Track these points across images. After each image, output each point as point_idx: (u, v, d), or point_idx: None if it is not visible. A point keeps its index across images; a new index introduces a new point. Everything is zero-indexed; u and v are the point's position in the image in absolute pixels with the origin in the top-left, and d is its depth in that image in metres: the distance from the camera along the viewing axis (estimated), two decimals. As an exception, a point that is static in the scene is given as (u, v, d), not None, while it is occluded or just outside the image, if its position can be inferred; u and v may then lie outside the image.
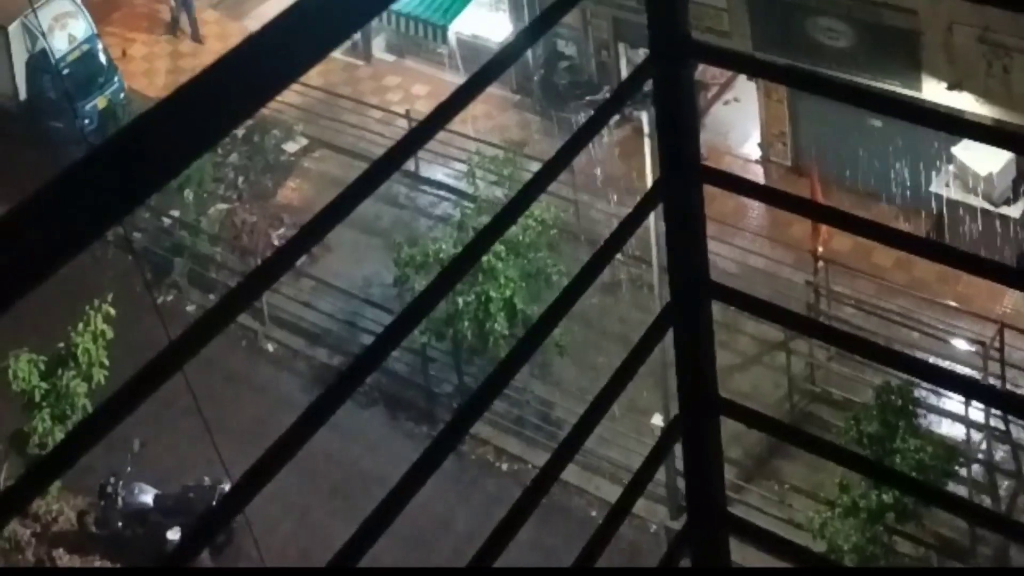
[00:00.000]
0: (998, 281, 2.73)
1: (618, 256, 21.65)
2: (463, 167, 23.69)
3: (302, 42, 1.90)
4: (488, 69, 2.45)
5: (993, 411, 18.36)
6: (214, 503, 18.94)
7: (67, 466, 1.82)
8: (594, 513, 18.88)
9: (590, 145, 23.88)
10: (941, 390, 17.05)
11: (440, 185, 24.66)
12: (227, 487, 18.87)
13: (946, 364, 18.87)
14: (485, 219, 20.40)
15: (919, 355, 18.71)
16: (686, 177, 2.99)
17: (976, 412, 18.32)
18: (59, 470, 1.81)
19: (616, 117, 24.16)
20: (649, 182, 18.72)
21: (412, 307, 2.32)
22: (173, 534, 18.99)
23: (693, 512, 3.46)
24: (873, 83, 20.63)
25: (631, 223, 2.98)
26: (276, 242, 23.47)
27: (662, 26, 2.84)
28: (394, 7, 25.29)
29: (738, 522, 3.55)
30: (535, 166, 23.55)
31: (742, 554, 3.63)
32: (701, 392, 3.26)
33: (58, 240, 1.69)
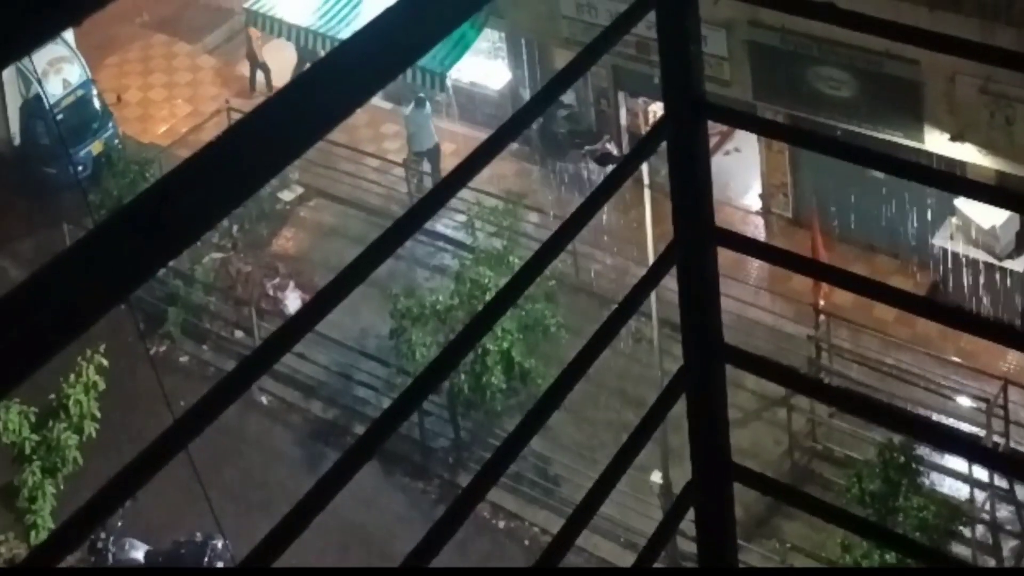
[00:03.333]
0: (1000, 342, 2.72)
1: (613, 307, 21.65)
2: (462, 217, 23.51)
3: (329, 98, 1.89)
4: (508, 128, 2.48)
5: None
6: (206, 559, 18.69)
7: (77, 542, 1.85)
8: (593, 573, 18.64)
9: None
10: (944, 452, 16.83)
11: (438, 236, 24.46)
12: (219, 543, 18.62)
13: (950, 423, 18.67)
14: (483, 270, 20.26)
15: (926, 415, 18.52)
16: (700, 239, 2.99)
17: (980, 471, 18.07)
18: (66, 547, 1.82)
19: (613, 166, 24.04)
20: (650, 233, 18.54)
21: (426, 374, 2.36)
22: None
23: (706, 567, 3.48)
24: (875, 134, 20.48)
25: (645, 285, 2.99)
26: (270, 292, 23.25)
27: (677, 87, 2.85)
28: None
29: None
30: (534, 217, 23.60)
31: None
32: (715, 458, 3.26)
33: (70, 315, 1.69)
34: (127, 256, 1.70)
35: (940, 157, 20.14)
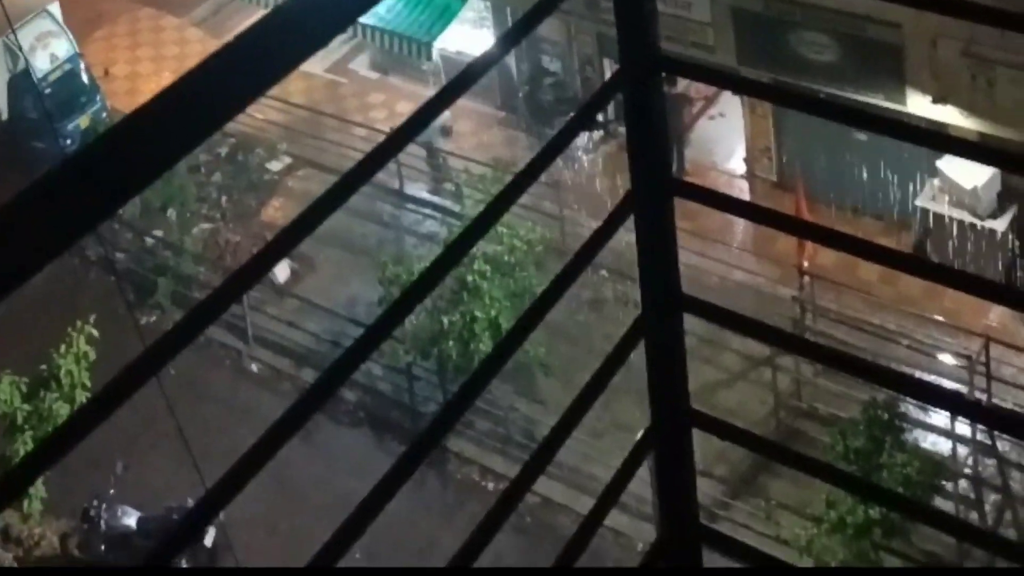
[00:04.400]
0: (981, 296, 2.74)
1: (603, 272, 21.56)
2: (450, 185, 23.63)
3: (272, 54, 1.91)
4: (463, 78, 2.47)
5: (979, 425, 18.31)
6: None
7: (42, 470, 1.83)
8: (580, 531, 18.78)
9: (577, 161, 23.91)
10: (928, 405, 16.98)
11: (426, 203, 24.58)
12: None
13: (932, 379, 18.84)
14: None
15: (904, 369, 18.68)
16: (657, 190, 2.99)
17: (963, 426, 18.25)
18: (35, 476, 1.83)
19: (601, 133, 24.14)
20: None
21: (380, 321, 2.36)
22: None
23: (666, 525, 3.46)
24: (858, 97, 20.60)
25: (601, 236, 2.98)
26: (260, 261, 23.36)
27: (633, 40, 2.84)
28: (378, 24, 25.25)
29: (711, 534, 3.55)
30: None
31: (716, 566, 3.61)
32: (674, 405, 3.25)
33: (27, 252, 1.69)
34: (77, 204, 1.74)
35: (922, 119, 20.27)
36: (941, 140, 3.17)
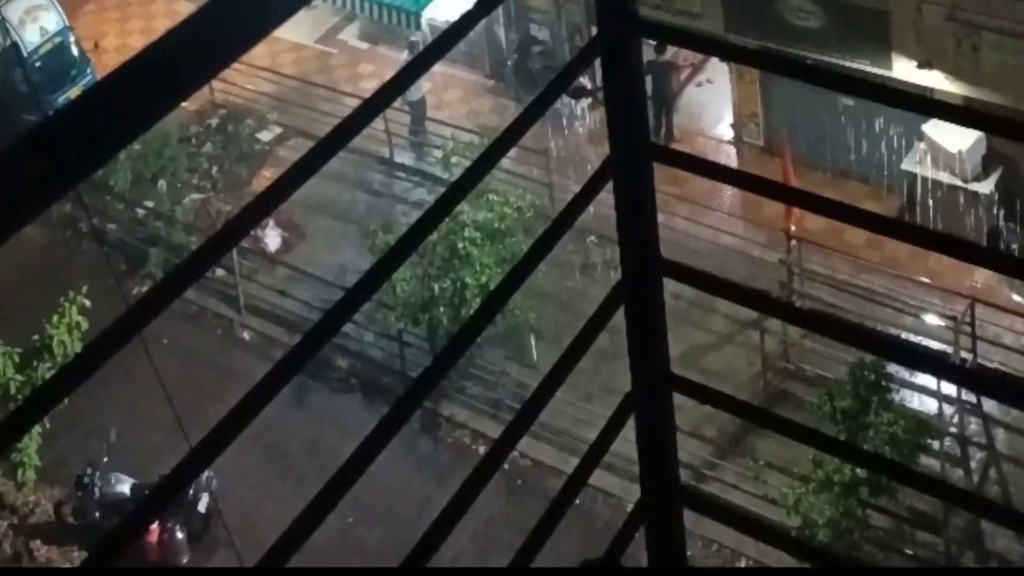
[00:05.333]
0: (964, 260, 2.80)
1: (592, 239, 21.62)
2: (438, 153, 23.70)
3: (234, 28, 1.92)
4: (442, 40, 2.55)
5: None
6: (191, 491, 18.99)
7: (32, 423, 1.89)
8: (571, 493, 18.92)
9: (566, 128, 23.97)
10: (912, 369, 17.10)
11: (415, 171, 24.68)
12: (203, 475, 18.93)
13: (917, 340, 19.01)
14: (462, 205, 20.49)
15: (889, 332, 18.84)
16: (635, 155, 3.02)
17: (948, 386, 18.40)
18: (24, 428, 1.88)
19: (589, 100, 24.21)
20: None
21: (361, 283, 2.45)
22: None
23: (647, 486, 3.54)
24: (844, 63, 20.70)
25: (580, 202, 3.01)
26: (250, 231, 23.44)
27: (610, 4, 2.86)
28: (366, -5, 25.31)
29: (693, 494, 3.62)
30: (511, 151, 23.61)
31: (697, 525, 3.63)
32: (653, 369, 3.32)
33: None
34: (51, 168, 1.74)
35: (908, 85, 20.38)
36: (924, 104, 3.20)
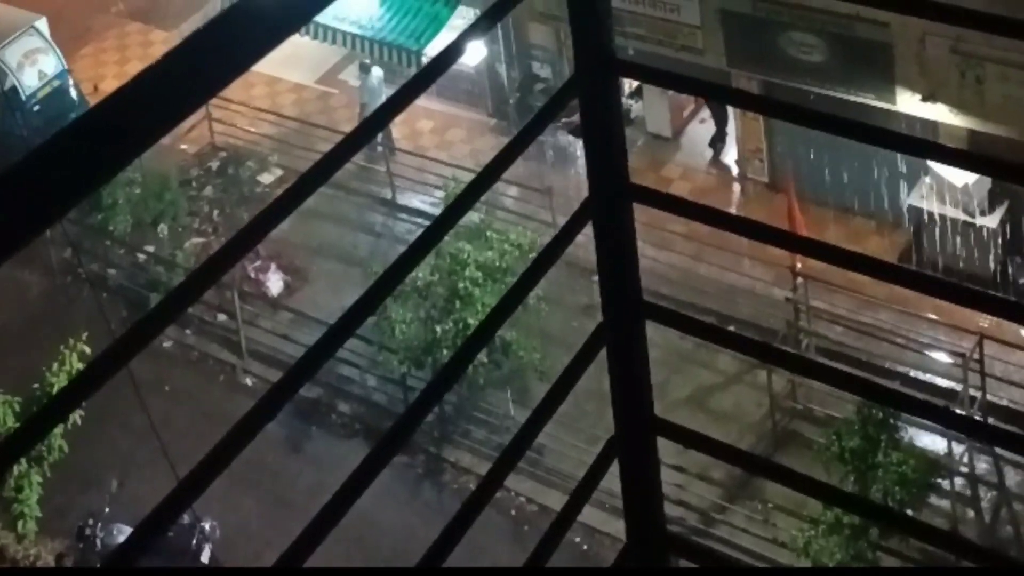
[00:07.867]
0: (974, 307, 2.75)
1: (594, 278, 21.69)
2: (441, 194, 23.56)
3: (224, 54, 1.95)
4: (430, 70, 2.51)
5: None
6: (194, 541, 18.79)
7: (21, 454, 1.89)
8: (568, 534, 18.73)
9: (570, 168, 23.84)
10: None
11: (417, 212, 24.54)
12: (207, 524, 18.73)
13: (926, 377, 18.80)
14: (462, 245, 20.33)
15: (892, 376, 18.63)
16: (615, 195, 2.97)
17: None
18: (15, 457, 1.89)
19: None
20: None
21: (348, 315, 2.44)
22: None
23: (632, 532, 3.47)
24: (848, 96, 20.58)
25: (558, 244, 2.98)
26: (252, 275, 23.31)
27: (587, 44, 2.83)
28: (366, 33, 25.20)
29: (678, 541, 3.55)
30: (513, 191, 23.64)
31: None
32: (637, 412, 3.26)
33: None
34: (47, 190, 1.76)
35: (912, 118, 20.25)
36: (922, 146, 3.20)
